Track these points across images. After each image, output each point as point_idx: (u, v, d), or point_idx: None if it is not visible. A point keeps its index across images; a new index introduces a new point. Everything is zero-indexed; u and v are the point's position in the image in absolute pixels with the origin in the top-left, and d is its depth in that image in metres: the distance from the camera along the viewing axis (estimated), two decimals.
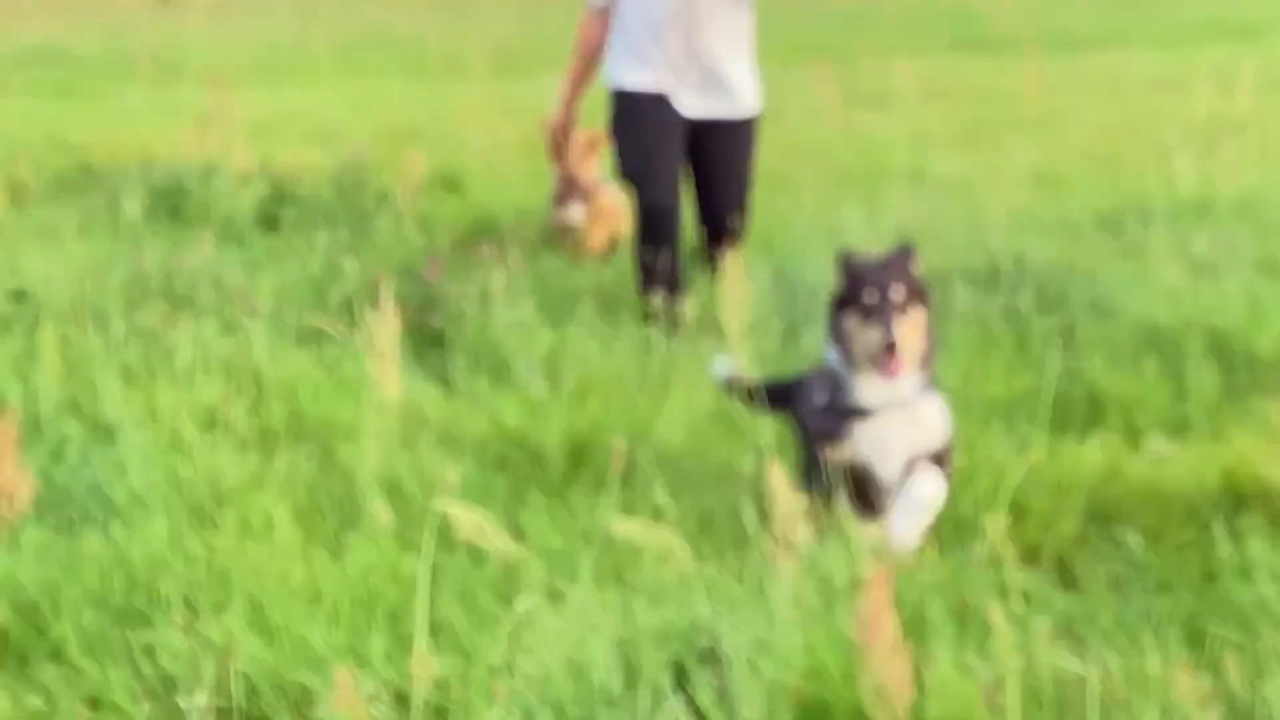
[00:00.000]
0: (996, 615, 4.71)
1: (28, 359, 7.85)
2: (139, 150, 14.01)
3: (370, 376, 7.32)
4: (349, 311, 8.43)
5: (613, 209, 10.78)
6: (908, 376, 5.67)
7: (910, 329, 5.61)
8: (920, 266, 5.73)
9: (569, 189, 10.91)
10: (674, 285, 8.84)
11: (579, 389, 7.61)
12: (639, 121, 9.02)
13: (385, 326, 6.56)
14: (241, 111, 16.00)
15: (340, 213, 11.55)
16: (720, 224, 9.06)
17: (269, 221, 11.43)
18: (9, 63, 26.68)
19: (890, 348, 5.52)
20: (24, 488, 5.37)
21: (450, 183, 12.73)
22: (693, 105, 8.96)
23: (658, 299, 8.75)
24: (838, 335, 5.78)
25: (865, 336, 5.62)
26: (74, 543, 5.86)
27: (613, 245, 10.64)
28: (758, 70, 9.19)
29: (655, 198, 8.95)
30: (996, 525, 5.33)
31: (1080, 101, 18.08)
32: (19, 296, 8.75)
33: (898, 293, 5.59)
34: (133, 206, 11.69)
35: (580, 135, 10.30)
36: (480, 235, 10.71)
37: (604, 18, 9.13)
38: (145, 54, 27.17)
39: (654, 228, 8.93)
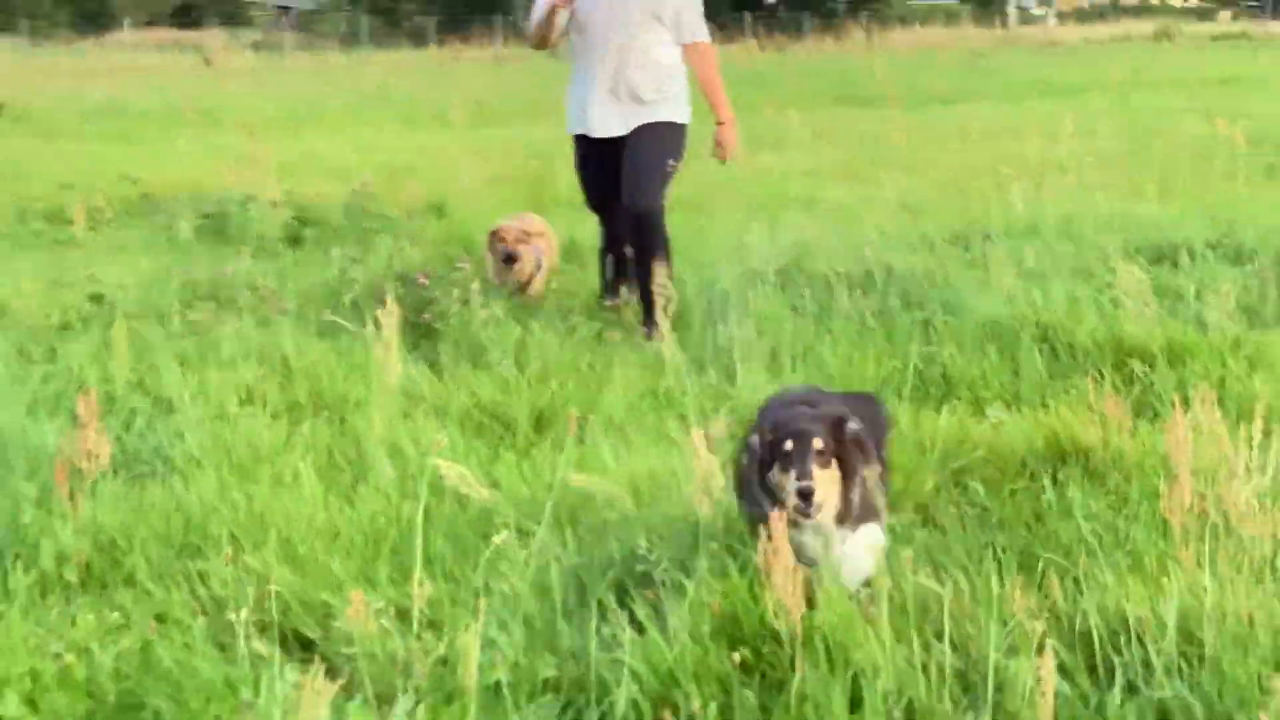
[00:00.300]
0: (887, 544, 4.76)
1: (104, 349, 7.84)
2: (190, 184, 13.96)
3: (376, 361, 7.35)
4: (358, 310, 8.43)
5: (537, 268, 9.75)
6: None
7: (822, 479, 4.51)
8: (852, 429, 4.66)
9: (507, 263, 9.59)
10: (622, 289, 8.92)
11: (541, 371, 7.63)
12: (592, 164, 8.94)
13: (389, 321, 6.55)
14: (271, 153, 15.97)
15: (350, 232, 11.52)
16: (634, 189, 8.66)
17: (294, 239, 11.42)
18: (83, 115, 26.53)
19: (805, 494, 4.45)
20: (104, 450, 5.37)
21: (437, 209, 12.69)
22: (620, 125, 8.72)
23: (612, 302, 8.89)
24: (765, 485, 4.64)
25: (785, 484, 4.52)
26: (142, 493, 5.87)
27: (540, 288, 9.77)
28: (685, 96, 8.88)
29: (613, 226, 8.98)
30: None
31: (936, 145, 18.15)
32: (96, 299, 8.72)
33: (816, 442, 4.54)
34: (185, 228, 11.68)
35: (511, 229, 9.61)
36: (462, 251, 10.67)
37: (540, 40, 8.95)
38: (192, 107, 27.06)
39: (612, 247, 9.01)
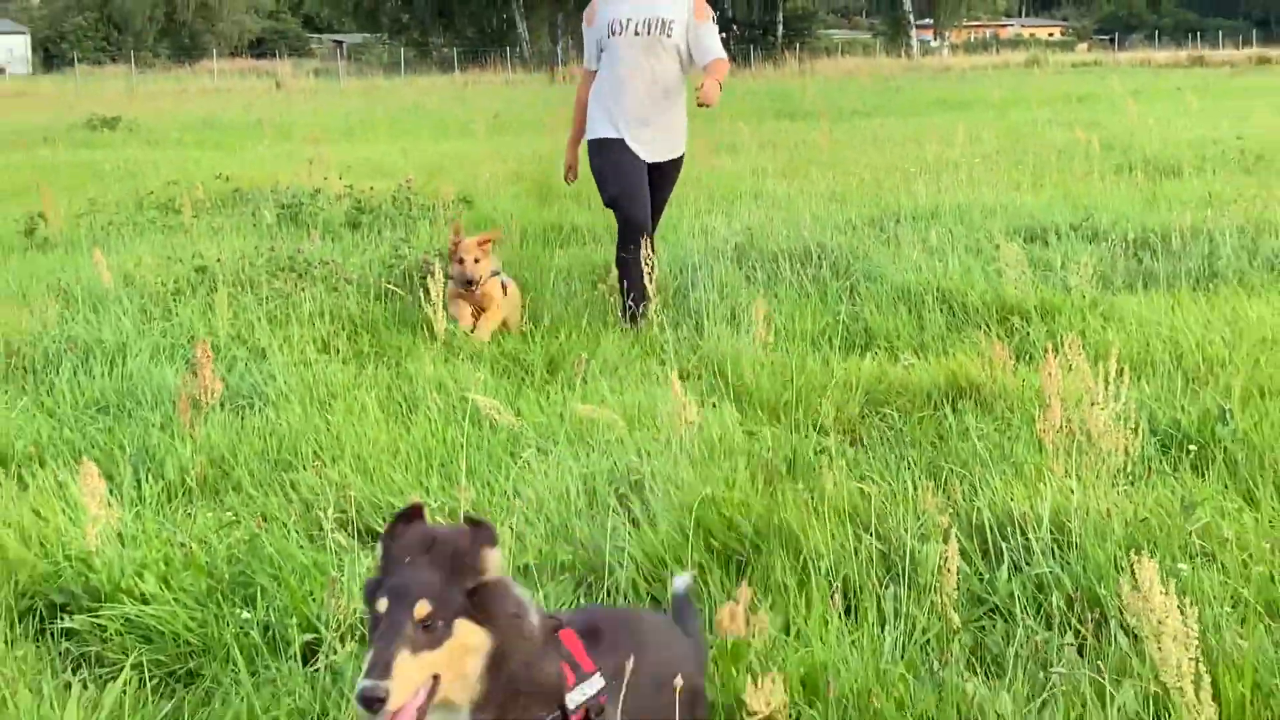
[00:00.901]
0: (822, 463, 4.83)
1: (209, 309, 7.86)
2: (270, 181, 13.92)
3: (426, 318, 7.39)
4: (407, 280, 8.46)
5: (500, 302, 7.61)
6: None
7: (426, 666, 2.35)
8: (494, 560, 2.47)
9: (463, 285, 7.49)
10: (642, 278, 7.57)
11: (552, 326, 7.67)
12: (610, 160, 7.70)
13: (437, 288, 6.56)
14: (332, 157, 15.94)
15: (398, 219, 11.51)
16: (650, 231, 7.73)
17: (354, 224, 11.37)
18: (183, 128, 26.42)
19: (369, 701, 2.27)
20: (216, 386, 5.41)
21: (467, 201, 12.66)
22: (643, 151, 7.69)
23: (633, 289, 7.70)
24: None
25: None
26: (244, 421, 5.92)
27: (504, 329, 7.64)
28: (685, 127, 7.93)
29: (632, 214, 7.61)
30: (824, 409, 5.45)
31: (855, 149, 18.13)
32: (201, 270, 8.73)
33: (420, 608, 2.35)
34: (268, 216, 11.66)
35: (471, 241, 7.58)
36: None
37: (594, 77, 7.88)
38: (268, 121, 26.94)
39: (631, 236, 7.63)
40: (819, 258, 9.20)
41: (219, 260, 8.88)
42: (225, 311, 7.63)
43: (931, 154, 16.00)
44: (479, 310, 7.57)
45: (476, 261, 7.51)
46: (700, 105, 7.36)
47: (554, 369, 6.87)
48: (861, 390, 6.19)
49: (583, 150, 8.07)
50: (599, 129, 7.79)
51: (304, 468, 5.29)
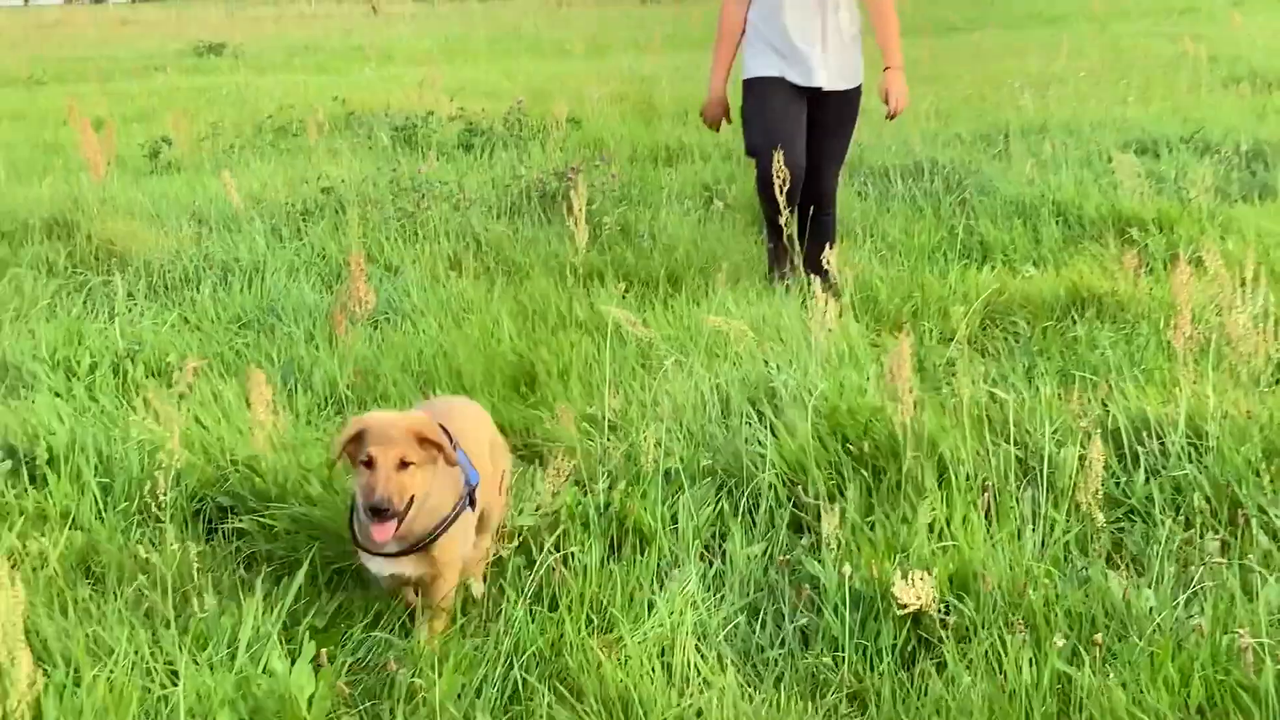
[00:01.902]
0: (959, 367, 4.87)
1: (338, 228, 8.01)
2: (381, 104, 14.02)
3: (569, 231, 7.24)
4: (526, 198, 8.55)
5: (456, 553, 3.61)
6: None
7: None
8: None
9: (372, 514, 3.35)
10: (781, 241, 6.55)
11: (669, 244, 7.69)
12: (763, 105, 6.42)
13: (579, 200, 6.58)
14: (439, 79, 16.00)
15: (509, 140, 11.55)
16: (817, 176, 6.54)
17: (466, 146, 11.42)
18: (289, 52, 26.56)
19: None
20: (369, 299, 5.50)
21: (575, 122, 12.65)
22: (809, 77, 6.38)
23: (776, 247, 6.69)
24: None
25: None
26: (383, 335, 6.06)
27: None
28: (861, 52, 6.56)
29: (768, 169, 6.12)
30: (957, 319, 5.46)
31: (957, 64, 17.88)
32: (327, 191, 8.86)
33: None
34: (383, 138, 11.77)
35: (393, 434, 3.38)
36: (597, 152, 10.67)
37: (740, 2, 6.56)
38: (369, 46, 27.04)
39: (770, 193, 6.15)
40: (930, 173, 9.17)
41: (343, 181, 9.00)
42: (357, 230, 7.75)
43: (1034, 68, 15.75)
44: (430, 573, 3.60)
45: (404, 466, 3.42)
46: (890, 118, 6.62)
47: (675, 283, 6.90)
48: (982, 301, 6.20)
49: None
50: (757, 65, 6.52)
51: (447, 380, 5.40)
